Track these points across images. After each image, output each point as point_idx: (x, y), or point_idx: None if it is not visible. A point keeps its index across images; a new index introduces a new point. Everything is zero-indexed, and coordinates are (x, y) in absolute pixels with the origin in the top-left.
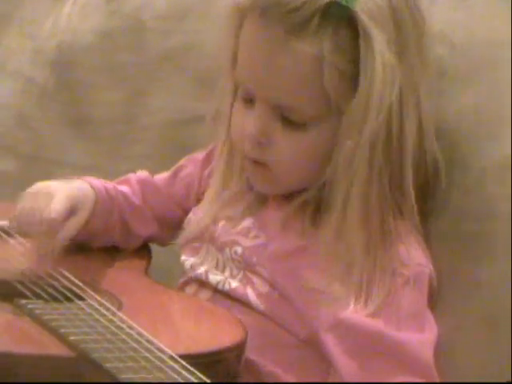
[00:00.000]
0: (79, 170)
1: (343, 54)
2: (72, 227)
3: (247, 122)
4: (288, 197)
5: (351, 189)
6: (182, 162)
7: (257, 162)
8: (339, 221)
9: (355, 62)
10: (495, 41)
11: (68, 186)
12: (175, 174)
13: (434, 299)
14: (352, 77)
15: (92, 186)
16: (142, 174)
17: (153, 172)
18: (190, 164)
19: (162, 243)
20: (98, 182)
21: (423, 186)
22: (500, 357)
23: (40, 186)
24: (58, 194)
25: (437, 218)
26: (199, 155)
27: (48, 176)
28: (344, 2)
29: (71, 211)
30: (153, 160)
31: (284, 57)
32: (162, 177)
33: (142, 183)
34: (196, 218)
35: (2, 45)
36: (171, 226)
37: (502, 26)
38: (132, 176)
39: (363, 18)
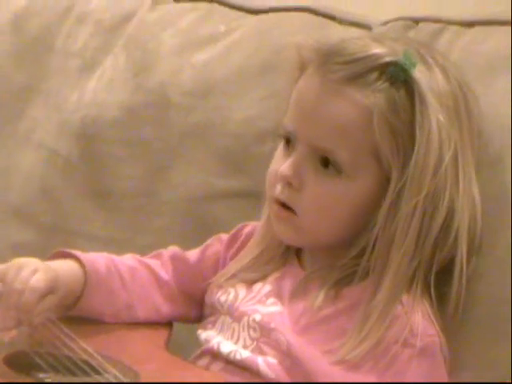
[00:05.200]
0: (99, 241)
1: (397, 112)
2: (46, 305)
3: (283, 165)
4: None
5: (395, 253)
6: (209, 241)
7: (284, 207)
8: (374, 286)
9: (409, 123)
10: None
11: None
12: (203, 252)
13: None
14: (404, 137)
15: (85, 266)
16: (174, 249)
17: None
18: (216, 243)
19: (187, 321)
20: (103, 260)
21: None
22: None
23: (22, 261)
24: (39, 271)
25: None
26: (224, 236)
27: (68, 247)
28: (404, 65)
29: (50, 290)
30: (173, 234)
31: (335, 100)
32: (192, 253)
33: (174, 259)
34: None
35: (28, 116)
36: (199, 304)
37: None
38: (164, 251)
39: (420, 82)
